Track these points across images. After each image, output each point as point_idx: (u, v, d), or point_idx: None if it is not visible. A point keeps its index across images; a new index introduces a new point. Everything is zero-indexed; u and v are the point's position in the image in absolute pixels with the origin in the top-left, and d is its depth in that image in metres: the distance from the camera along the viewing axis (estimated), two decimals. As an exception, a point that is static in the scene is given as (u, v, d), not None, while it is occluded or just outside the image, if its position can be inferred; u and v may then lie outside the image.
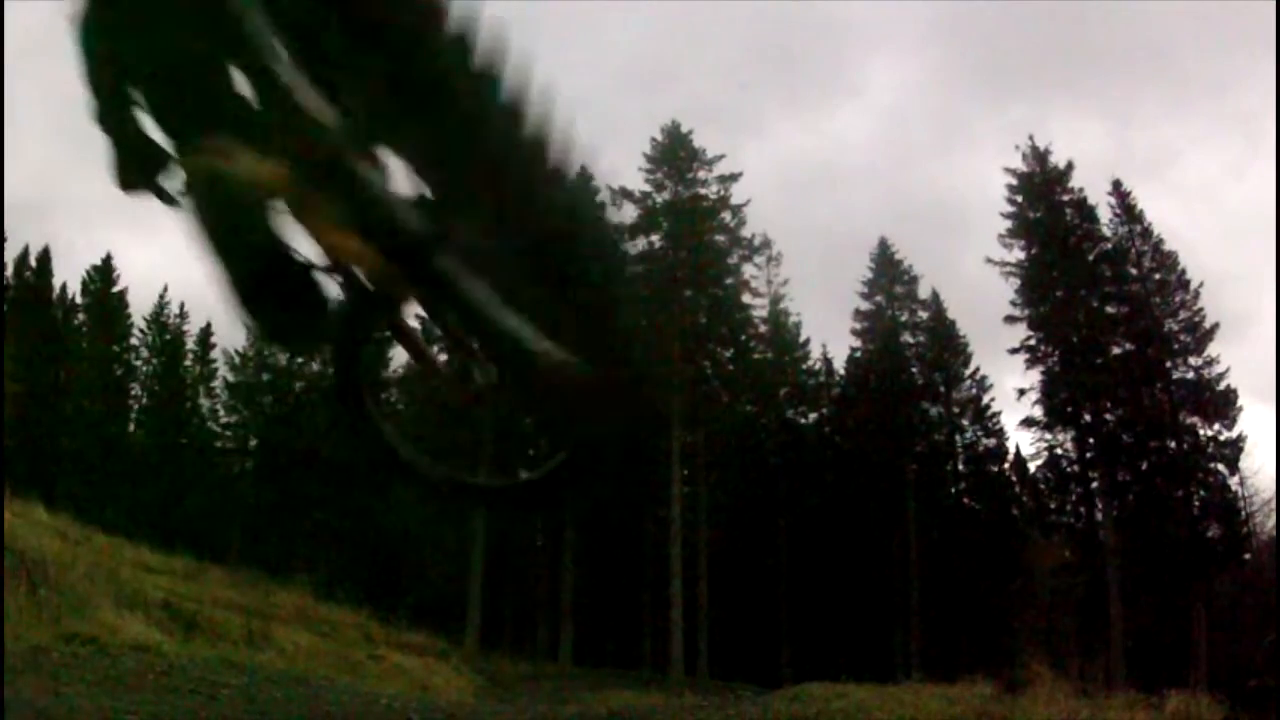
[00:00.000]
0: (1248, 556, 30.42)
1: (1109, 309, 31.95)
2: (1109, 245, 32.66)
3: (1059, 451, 31.89)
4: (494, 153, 1.33)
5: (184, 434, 38.51)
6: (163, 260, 74.05)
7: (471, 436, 32.50)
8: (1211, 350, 30.66)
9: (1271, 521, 31.46)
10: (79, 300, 40.32)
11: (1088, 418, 31.12)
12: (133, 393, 39.62)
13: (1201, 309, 31.03)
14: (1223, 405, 30.05)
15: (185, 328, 40.65)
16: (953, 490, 34.95)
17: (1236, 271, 57.63)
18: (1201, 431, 30.39)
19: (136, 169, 1.69)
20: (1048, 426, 31.81)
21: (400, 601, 26.53)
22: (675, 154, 35.48)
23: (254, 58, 1.38)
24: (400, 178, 1.43)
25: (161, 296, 40.62)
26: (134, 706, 4.21)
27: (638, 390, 1.52)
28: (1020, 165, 33.84)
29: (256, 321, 1.64)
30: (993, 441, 35.21)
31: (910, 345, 36.13)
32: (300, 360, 38.49)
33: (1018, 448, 35.17)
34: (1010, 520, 33.57)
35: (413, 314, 1.81)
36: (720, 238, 34.79)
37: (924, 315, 36.43)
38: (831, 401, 37.23)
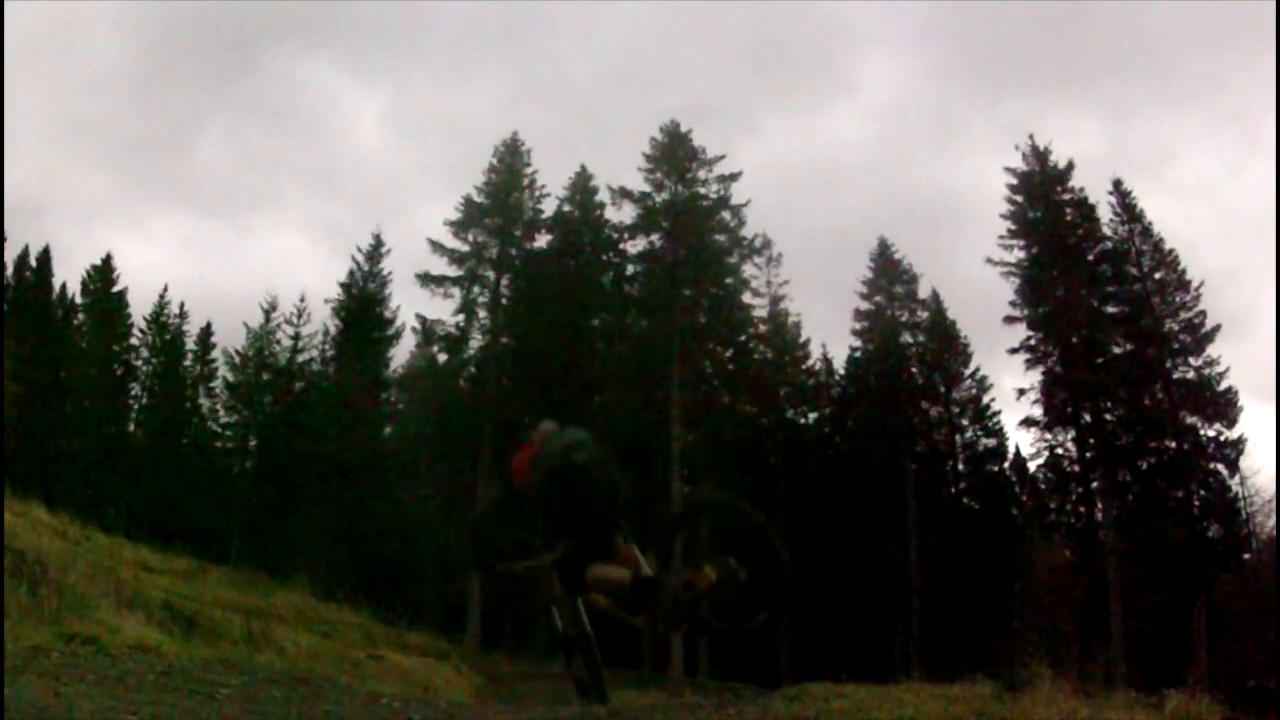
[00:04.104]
0: (1248, 556, 30.43)
1: (1109, 309, 31.93)
2: (1109, 245, 32.65)
3: (1059, 451, 31.89)
4: None
5: (184, 434, 38.50)
6: (163, 260, 74.15)
7: (473, 440, 32.55)
8: (1211, 350, 30.69)
9: (1271, 521, 31.50)
10: (79, 300, 40.34)
11: (1088, 418, 31.10)
12: (133, 393, 39.62)
13: (1203, 310, 31.05)
14: (1223, 405, 30.04)
15: (185, 328, 40.67)
16: (953, 490, 34.93)
17: (1236, 270, 57.68)
18: (1201, 431, 30.38)
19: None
20: (1048, 426, 31.81)
21: (400, 601, 26.51)
22: (675, 154, 35.48)
23: None
24: None
25: (161, 296, 40.67)
26: (134, 706, 4.20)
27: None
28: (1020, 165, 33.88)
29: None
30: (993, 441, 35.19)
31: (910, 345, 36.11)
32: (300, 360, 38.59)
33: (1018, 448, 35.20)
34: (1010, 520, 33.55)
35: None
36: (720, 238, 34.77)
37: (924, 315, 36.45)
38: (831, 401, 37.21)
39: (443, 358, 35.55)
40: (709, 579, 4.11)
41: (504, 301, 34.92)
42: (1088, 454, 31.08)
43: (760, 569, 4.12)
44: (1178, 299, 31.45)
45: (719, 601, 4.15)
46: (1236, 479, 30.43)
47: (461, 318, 34.48)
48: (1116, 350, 31.51)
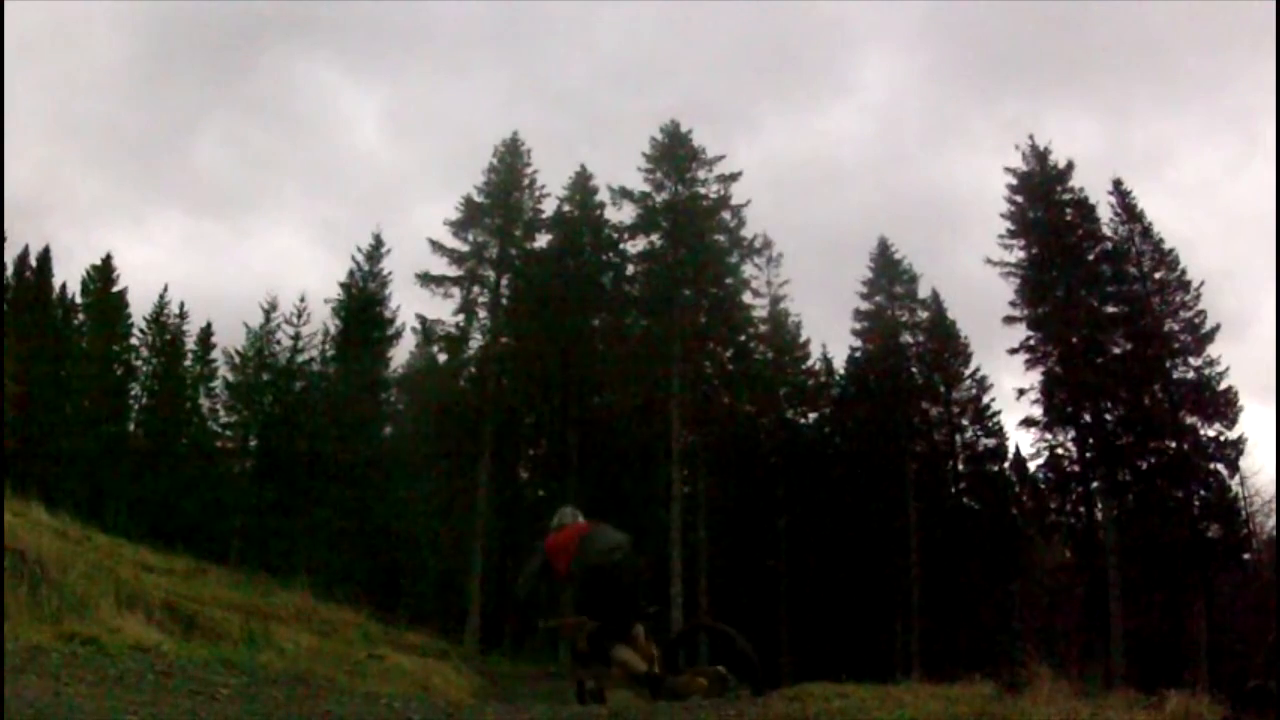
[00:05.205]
0: (1248, 556, 30.42)
1: (1109, 309, 31.90)
2: (1109, 245, 32.61)
3: (1059, 451, 31.84)
4: None
5: (184, 434, 38.50)
6: (163, 260, 74.19)
7: (473, 440, 32.55)
8: (1211, 350, 30.62)
9: (1271, 521, 31.50)
10: (79, 300, 40.34)
11: (1088, 418, 31.07)
12: (133, 393, 39.61)
13: (1203, 310, 31.00)
14: (1223, 405, 30.01)
15: (185, 328, 40.67)
16: (953, 490, 34.91)
17: (1236, 270, 57.72)
18: (1201, 431, 30.33)
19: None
20: (1048, 426, 31.74)
21: (400, 601, 26.52)
22: (675, 153, 35.45)
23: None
24: None
25: (161, 296, 40.67)
26: (134, 706, 4.20)
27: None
28: (1020, 165, 33.84)
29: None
30: (993, 441, 35.15)
31: (910, 345, 36.09)
32: (300, 360, 38.58)
33: (1018, 448, 35.16)
34: (1010, 520, 33.54)
35: None
36: (720, 238, 34.74)
37: (924, 315, 36.41)
38: (831, 401, 37.20)
39: (443, 358, 35.53)
40: (702, 686, 5.61)
41: (504, 301, 34.89)
42: (1088, 454, 31.03)
43: (744, 680, 5.61)
44: (1178, 299, 31.40)
45: (710, 696, 5.53)
46: (1236, 479, 30.40)
47: (461, 318, 34.48)
48: (1116, 350, 31.47)
